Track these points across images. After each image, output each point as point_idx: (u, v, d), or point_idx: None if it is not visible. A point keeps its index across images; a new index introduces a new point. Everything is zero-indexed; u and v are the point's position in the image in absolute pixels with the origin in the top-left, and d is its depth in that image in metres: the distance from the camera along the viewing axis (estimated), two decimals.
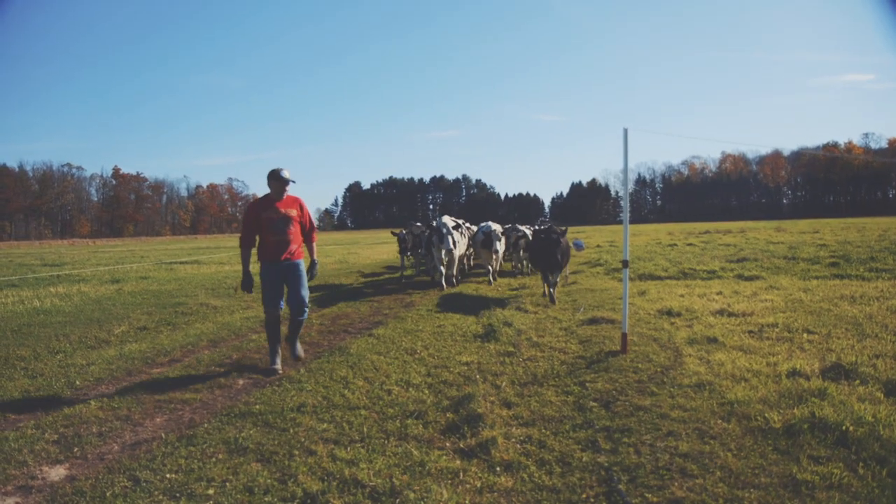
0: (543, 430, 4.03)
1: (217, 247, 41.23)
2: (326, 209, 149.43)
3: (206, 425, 4.25)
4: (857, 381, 4.65)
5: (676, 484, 3.15)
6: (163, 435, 4.10)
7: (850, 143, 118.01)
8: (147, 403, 4.86)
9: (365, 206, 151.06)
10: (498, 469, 3.46)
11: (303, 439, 3.92)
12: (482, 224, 12.96)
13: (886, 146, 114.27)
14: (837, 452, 3.44)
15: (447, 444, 3.84)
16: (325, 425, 4.18)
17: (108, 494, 3.20)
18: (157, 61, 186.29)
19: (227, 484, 3.28)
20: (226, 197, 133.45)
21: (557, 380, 5.22)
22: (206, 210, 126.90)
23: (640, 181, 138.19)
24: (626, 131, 5.93)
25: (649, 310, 8.40)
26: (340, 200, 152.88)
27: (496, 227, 12.46)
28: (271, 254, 5.80)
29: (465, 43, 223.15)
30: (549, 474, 3.38)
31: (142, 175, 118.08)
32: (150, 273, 17.80)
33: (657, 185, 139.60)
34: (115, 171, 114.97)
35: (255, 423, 4.25)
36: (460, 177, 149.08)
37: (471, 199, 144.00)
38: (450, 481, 3.29)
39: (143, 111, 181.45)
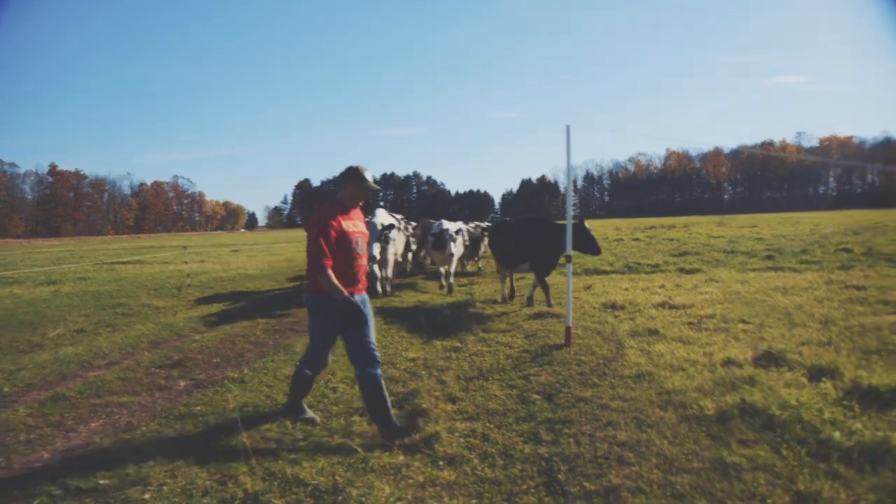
0: (487, 424, 4.09)
1: (161, 246, 39.89)
2: (276, 207, 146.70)
3: (143, 428, 4.14)
4: (785, 368, 4.88)
5: (613, 472, 3.26)
6: (97, 440, 3.96)
7: (783, 141, 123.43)
8: (81, 408, 4.69)
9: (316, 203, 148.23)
10: (441, 463, 3.49)
11: (244, 439, 3.85)
12: (434, 223, 11.94)
13: (818, 145, 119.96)
14: (764, 435, 3.61)
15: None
16: (267, 424, 4.13)
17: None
18: (97, 54, 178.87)
19: (165, 487, 3.20)
20: (171, 195, 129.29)
21: (502, 374, 5.29)
22: (150, 208, 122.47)
23: (588, 178, 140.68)
24: (568, 128, 6.07)
25: (594, 303, 8.60)
26: (290, 198, 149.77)
27: (450, 225, 11.33)
28: (352, 281, 4.01)
29: (417, 40, 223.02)
30: (492, 467, 3.43)
31: (81, 172, 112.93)
32: (90, 274, 17.07)
33: (605, 182, 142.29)
34: (52, 167, 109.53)
35: (195, 425, 4.16)
36: (411, 174, 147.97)
37: (422, 196, 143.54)
38: (392, 477, 3.30)
39: (81, 106, 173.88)
